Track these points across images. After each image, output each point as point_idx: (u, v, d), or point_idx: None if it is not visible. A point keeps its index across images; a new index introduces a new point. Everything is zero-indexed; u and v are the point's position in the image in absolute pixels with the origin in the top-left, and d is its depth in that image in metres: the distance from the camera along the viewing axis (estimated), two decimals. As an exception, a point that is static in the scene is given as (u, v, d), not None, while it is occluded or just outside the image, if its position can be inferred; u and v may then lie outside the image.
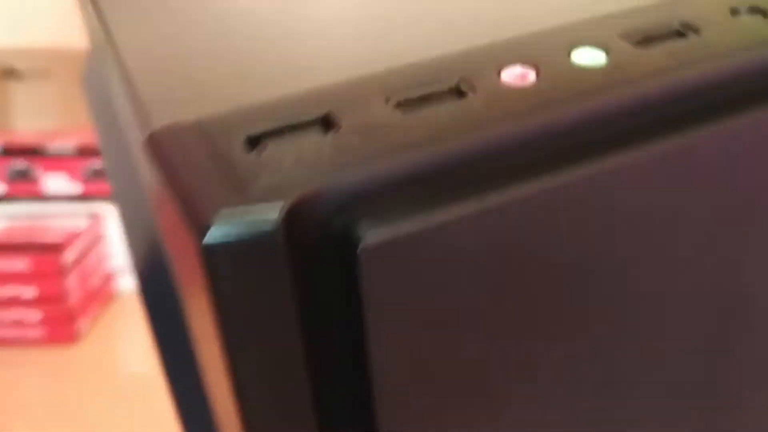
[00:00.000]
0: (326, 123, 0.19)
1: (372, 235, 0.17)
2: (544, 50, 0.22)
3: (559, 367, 0.21)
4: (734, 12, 0.23)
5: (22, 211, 1.28)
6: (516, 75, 0.21)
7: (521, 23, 0.23)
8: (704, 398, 0.25)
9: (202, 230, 0.16)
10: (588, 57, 0.22)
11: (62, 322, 1.20)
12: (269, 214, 0.16)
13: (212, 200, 0.16)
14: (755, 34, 0.22)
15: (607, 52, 0.22)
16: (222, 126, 0.19)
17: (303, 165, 0.18)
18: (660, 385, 0.24)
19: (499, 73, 0.21)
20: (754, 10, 0.23)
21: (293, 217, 0.17)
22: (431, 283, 0.18)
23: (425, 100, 0.20)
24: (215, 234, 0.16)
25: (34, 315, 1.20)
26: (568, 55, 0.22)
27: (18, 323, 1.20)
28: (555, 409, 0.22)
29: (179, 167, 0.18)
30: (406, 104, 0.20)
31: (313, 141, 0.18)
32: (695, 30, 0.23)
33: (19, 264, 1.18)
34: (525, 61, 0.22)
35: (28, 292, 1.19)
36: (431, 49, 0.22)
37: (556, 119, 0.20)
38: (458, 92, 0.20)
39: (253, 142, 0.19)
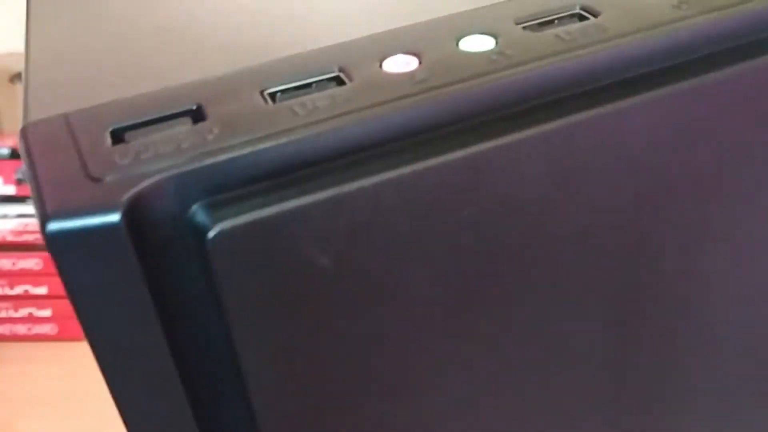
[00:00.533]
0: (195, 115, 0.19)
1: (220, 223, 0.17)
2: (432, 38, 0.22)
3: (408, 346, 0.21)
4: None
5: (33, 211, 1.31)
6: (398, 64, 0.21)
7: (417, 13, 0.23)
8: (611, 397, 0.25)
9: (46, 219, 0.17)
10: (476, 44, 0.22)
11: (73, 318, 1.23)
12: (112, 206, 0.16)
13: (61, 192, 0.17)
14: (653, 17, 0.22)
15: (497, 37, 0.22)
16: (88, 120, 0.19)
17: (157, 157, 0.18)
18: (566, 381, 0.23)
19: (381, 63, 0.21)
20: None
21: (138, 209, 0.17)
22: (284, 270, 0.18)
23: (300, 90, 0.20)
24: (59, 224, 0.17)
25: (45, 312, 1.23)
26: (457, 42, 0.22)
27: (29, 319, 1.23)
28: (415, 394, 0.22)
29: (38, 159, 0.18)
30: (281, 95, 0.20)
31: (175, 133, 0.19)
32: (594, 14, 0.22)
33: (30, 262, 1.22)
34: (409, 49, 0.21)
35: (40, 289, 1.22)
36: (315, 43, 0.22)
37: (430, 104, 0.19)
38: (337, 82, 0.20)
39: (118, 136, 0.19)
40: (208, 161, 0.18)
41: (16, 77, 1.34)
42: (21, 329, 1.23)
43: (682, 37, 0.21)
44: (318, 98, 0.20)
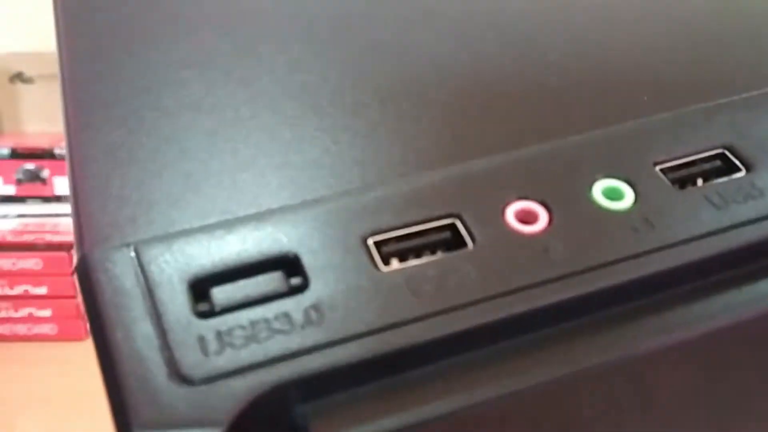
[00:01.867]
0: (290, 269, 0.17)
1: None
2: (561, 175, 0.19)
3: None
4: None
5: (33, 211, 1.31)
6: (524, 215, 0.18)
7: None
8: None
9: (130, 428, 0.14)
10: (612, 194, 0.18)
11: (73, 318, 1.23)
12: (213, 422, 0.14)
13: (146, 394, 0.15)
14: None
15: (635, 187, 0.18)
16: (164, 258, 0.17)
17: (257, 345, 0.15)
18: None
19: (504, 210, 0.18)
20: None
21: (241, 422, 0.14)
22: None
23: (413, 239, 0.17)
24: None
25: (45, 312, 1.23)
26: (590, 187, 0.18)
27: (29, 319, 1.23)
28: None
29: (111, 330, 0.16)
30: (386, 249, 0.17)
31: (274, 301, 0.16)
32: (743, 161, 0.19)
33: (30, 262, 1.22)
34: (536, 194, 0.18)
35: (40, 289, 1.23)
36: (419, 168, 0.19)
37: (574, 295, 0.16)
38: (452, 233, 0.17)
39: (200, 291, 0.16)
40: (325, 364, 0.15)
41: (16, 77, 1.34)
42: (21, 329, 1.23)
43: None
44: (443, 269, 0.17)
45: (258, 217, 0.18)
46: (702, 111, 0.21)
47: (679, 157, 0.19)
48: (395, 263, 0.17)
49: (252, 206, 0.18)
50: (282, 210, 0.18)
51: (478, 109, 0.22)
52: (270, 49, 0.24)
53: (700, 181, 0.19)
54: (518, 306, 0.16)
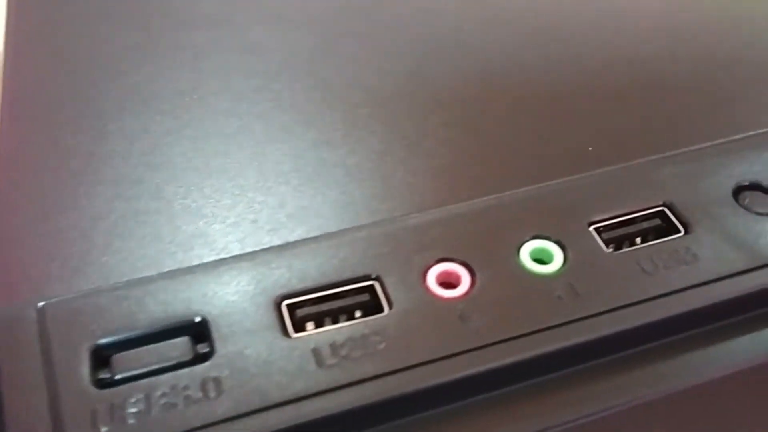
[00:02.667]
0: (196, 335, 0.16)
1: None
2: (488, 233, 0.18)
3: None
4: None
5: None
6: (446, 278, 0.17)
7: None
8: None
9: None
10: (541, 255, 0.18)
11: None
12: None
13: None
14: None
15: (566, 250, 0.18)
16: (68, 322, 0.16)
17: (149, 423, 0.14)
18: None
19: (425, 273, 0.17)
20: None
21: None
22: None
23: (326, 302, 0.17)
24: None
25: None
26: (518, 249, 0.18)
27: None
28: None
29: (4, 400, 0.15)
30: (300, 313, 0.16)
31: (175, 372, 0.15)
32: (683, 222, 0.18)
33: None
34: (460, 255, 0.17)
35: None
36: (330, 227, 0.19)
37: (484, 368, 0.16)
38: (370, 295, 0.17)
39: (101, 358, 0.16)
40: None
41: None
42: None
43: None
44: (354, 337, 0.16)
45: (171, 276, 0.17)
46: (646, 164, 0.20)
47: (616, 216, 0.19)
48: (310, 327, 0.17)
49: (172, 262, 0.18)
50: (194, 269, 0.17)
51: (408, 162, 0.21)
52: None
53: (638, 240, 0.19)
54: (416, 382, 0.15)
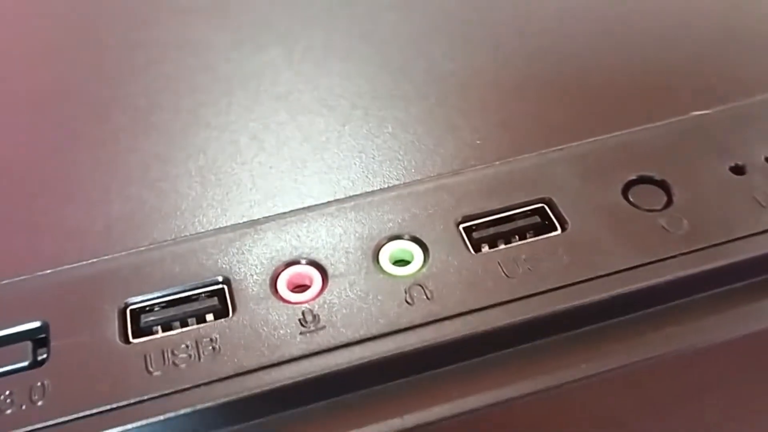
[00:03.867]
0: (36, 343, 0.16)
1: None
2: (347, 234, 0.17)
3: None
4: None
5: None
6: (297, 282, 0.17)
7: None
8: None
9: None
10: (400, 256, 0.17)
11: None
12: None
13: None
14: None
15: (427, 251, 0.17)
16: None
17: None
18: None
19: (276, 278, 0.17)
20: None
21: None
22: None
23: (172, 307, 0.16)
24: None
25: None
26: (377, 252, 0.17)
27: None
28: None
29: None
30: (146, 320, 0.16)
31: (6, 381, 0.15)
32: (561, 220, 0.17)
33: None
34: (314, 257, 0.17)
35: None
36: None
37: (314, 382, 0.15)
38: (219, 299, 0.16)
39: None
40: None
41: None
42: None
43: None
44: (189, 343, 0.16)
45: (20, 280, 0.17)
46: (532, 159, 0.19)
47: (491, 214, 0.18)
48: (159, 332, 0.16)
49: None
50: (39, 277, 0.17)
51: (273, 165, 0.20)
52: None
53: (517, 238, 0.18)
54: (245, 389, 0.15)
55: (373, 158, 0.20)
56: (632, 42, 0.23)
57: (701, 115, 0.20)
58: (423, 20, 0.25)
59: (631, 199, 0.18)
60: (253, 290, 0.17)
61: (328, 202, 0.18)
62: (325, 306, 0.16)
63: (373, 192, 0.18)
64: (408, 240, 0.17)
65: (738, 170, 0.18)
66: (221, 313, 0.16)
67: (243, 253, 0.17)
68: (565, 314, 0.16)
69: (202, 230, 0.18)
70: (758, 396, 0.19)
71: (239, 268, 0.17)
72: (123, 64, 0.24)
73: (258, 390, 0.15)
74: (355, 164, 0.20)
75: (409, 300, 0.16)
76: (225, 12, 0.26)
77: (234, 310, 0.16)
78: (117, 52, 0.25)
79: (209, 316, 0.16)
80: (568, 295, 0.16)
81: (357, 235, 0.17)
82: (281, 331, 0.16)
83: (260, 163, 0.20)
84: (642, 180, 0.18)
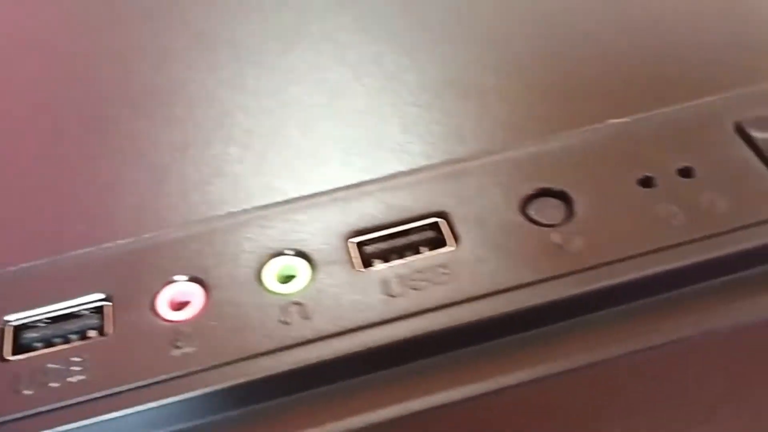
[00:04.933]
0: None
1: None
2: (232, 245, 0.17)
3: None
4: None
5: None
6: (177, 297, 0.16)
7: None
8: None
9: None
10: (285, 273, 0.17)
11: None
12: None
13: None
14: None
15: (315, 266, 0.17)
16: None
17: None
18: None
19: (156, 294, 0.16)
20: None
21: None
22: None
23: (60, 323, 0.16)
24: None
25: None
26: (260, 268, 0.17)
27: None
28: None
29: None
30: (35, 339, 0.16)
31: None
32: (455, 234, 0.17)
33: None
34: (196, 272, 0.17)
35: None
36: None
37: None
38: (98, 318, 0.16)
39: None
40: None
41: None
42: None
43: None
44: (64, 362, 0.15)
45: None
46: (430, 170, 0.18)
47: (383, 228, 0.17)
48: (40, 348, 0.16)
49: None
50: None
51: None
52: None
53: (411, 254, 0.17)
54: (117, 407, 0.15)
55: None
56: (556, 44, 0.22)
57: (618, 123, 0.19)
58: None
59: (530, 214, 0.17)
60: (132, 307, 0.16)
61: (219, 216, 0.18)
62: (201, 326, 0.16)
63: (265, 206, 0.18)
64: (294, 256, 0.17)
65: (646, 183, 0.18)
66: (101, 330, 0.16)
67: (126, 269, 0.17)
68: (441, 335, 0.15)
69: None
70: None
71: (123, 284, 0.17)
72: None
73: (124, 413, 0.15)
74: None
75: (285, 320, 0.16)
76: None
77: (114, 328, 0.16)
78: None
79: (91, 333, 0.16)
80: (448, 316, 0.16)
81: (242, 250, 0.17)
82: (153, 351, 0.16)
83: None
84: (543, 193, 0.18)
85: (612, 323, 0.16)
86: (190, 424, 0.15)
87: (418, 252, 0.17)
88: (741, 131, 0.18)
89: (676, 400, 0.18)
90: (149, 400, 0.15)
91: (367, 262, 0.17)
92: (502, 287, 0.16)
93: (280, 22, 0.24)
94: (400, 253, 0.17)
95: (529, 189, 0.18)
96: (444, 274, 0.16)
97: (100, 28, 0.25)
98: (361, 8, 0.24)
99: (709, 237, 0.16)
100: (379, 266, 0.17)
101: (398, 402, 0.15)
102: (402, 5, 0.25)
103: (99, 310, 0.17)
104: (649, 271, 0.16)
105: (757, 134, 0.18)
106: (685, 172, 0.18)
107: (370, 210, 0.18)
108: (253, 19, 0.24)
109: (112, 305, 0.16)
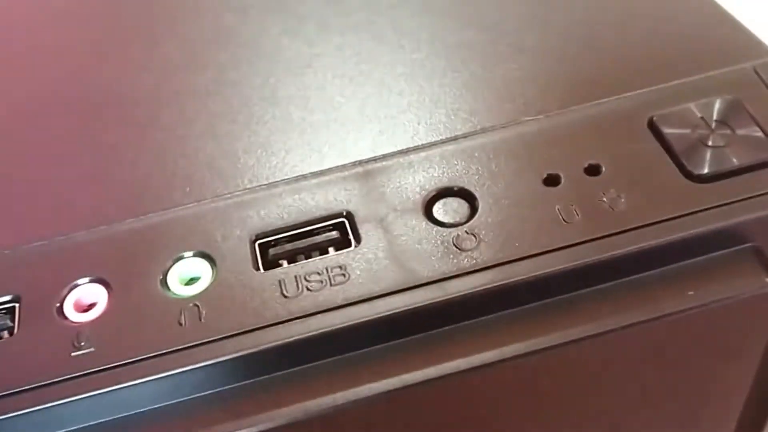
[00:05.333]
0: None
1: None
2: (139, 249, 0.17)
3: None
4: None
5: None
6: (81, 298, 0.17)
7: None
8: None
9: None
10: (188, 273, 0.17)
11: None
12: None
13: None
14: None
15: (215, 268, 0.17)
16: None
17: None
18: None
19: (64, 298, 0.17)
20: None
21: None
22: None
23: None
24: None
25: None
26: (166, 271, 0.17)
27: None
28: None
29: None
30: None
31: None
32: (357, 235, 0.17)
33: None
34: (100, 273, 0.17)
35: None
36: None
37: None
38: (10, 318, 0.17)
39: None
40: None
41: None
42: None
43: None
44: None
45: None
46: (334, 171, 0.18)
47: (288, 230, 0.18)
48: None
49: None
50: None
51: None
52: None
53: (317, 254, 0.17)
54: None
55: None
56: (474, 42, 0.22)
57: (530, 121, 0.19)
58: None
59: (434, 213, 0.17)
60: (39, 308, 0.17)
61: (124, 220, 0.18)
62: (102, 327, 0.16)
63: (171, 208, 0.18)
64: (199, 257, 0.17)
65: (552, 181, 0.18)
66: (10, 331, 0.17)
67: (35, 270, 0.17)
68: (335, 335, 0.16)
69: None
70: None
71: (32, 285, 0.17)
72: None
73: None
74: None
75: (182, 321, 0.16)
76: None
77: (19, 327, 0.17)
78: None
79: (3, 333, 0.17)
80: (340, 316, 0.16)
81: (148, 252, 0.17)
82: (53, 352, 0.16)
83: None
84: (448, 193, 0.18)
85: (504, 324, 0.16)
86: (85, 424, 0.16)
87: (325, 252, 0.17)
88: (653, 127, 0.18)
89: (571, 400, 0.18)
90: (45, 402, 0.15)
91: (271, 264, 0.17)
92: (397, 288, 0.16)
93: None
94: (306, 253, 0.17)
95: (434, 189, 0.18)
96: (340, 275, 0.16)
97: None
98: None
99: (603, 237, 0.16)
100: (280, 268, 0.17)
101: (287, 405, 0.15)
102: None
103: (10, 311, 0.17)
104: (539, 273, 0.16)
105: (668, 130, 0.18)
106: (593, 170, 0.18)
107: (276, 211, 0.18)
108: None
109: (20, 306, 0.17)
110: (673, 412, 0.20)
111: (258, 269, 0.17)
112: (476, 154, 0.18)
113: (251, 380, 0.16)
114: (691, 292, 0.16)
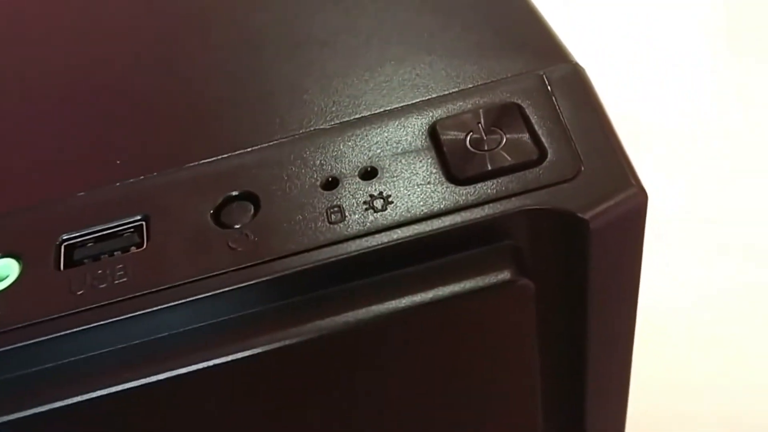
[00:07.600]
0: None
1: None
2: None
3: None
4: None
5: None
6: None
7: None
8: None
9: None
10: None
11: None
12: None
13: None
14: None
15: (21, 263, 0.19)
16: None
17: None
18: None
19: None
20: None
21: None
22: None
23: None
24: None
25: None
26: None
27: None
28: None
29: None
30: None
31: None
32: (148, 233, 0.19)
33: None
34: None
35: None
36: None
37: None
38: None
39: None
40: None
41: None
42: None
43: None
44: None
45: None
46: (144, 179, 0.20)
47: (94, 231, 0.19)
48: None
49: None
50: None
51: None
52: None
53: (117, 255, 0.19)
54: None
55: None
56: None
57: (318, 131, 0.20)
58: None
59: (221, 216, 0.19)
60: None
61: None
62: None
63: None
64: (7, 257, 0.19)
65: (330, 184, 0.19)
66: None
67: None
68: (103, 331, 0.18)
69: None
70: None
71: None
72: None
73: None
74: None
75: None
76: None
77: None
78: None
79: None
80: (116, 310, 0.18)
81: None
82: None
83: None
84: (237, 197, 0.19)
85: (273, 317, 0.18)
86: None
87: (126, 251, 0.19)
88: (433, 133, 0.20)
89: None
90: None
91: (73, 262, 0.19)
92: (171, 284, 0.18)
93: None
94: (110, 252, 0.19)
95: (221, 194, 0.19)
96: (121, 274, 0.18)
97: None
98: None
99: (359, 236, 0.18)
100: (77, 266, 0.19)
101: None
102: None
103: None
104: (298, 268, 0.18)
105: (444, 135, 0.19)
106: (369, 174, 0.19)
107: (82, 213, 0.20)
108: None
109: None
110: (471, 401, 0.21)
111: (57, 268, 0.19)
112: (264, 164, 0.20)
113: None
114: (444, 286, 0.18)
